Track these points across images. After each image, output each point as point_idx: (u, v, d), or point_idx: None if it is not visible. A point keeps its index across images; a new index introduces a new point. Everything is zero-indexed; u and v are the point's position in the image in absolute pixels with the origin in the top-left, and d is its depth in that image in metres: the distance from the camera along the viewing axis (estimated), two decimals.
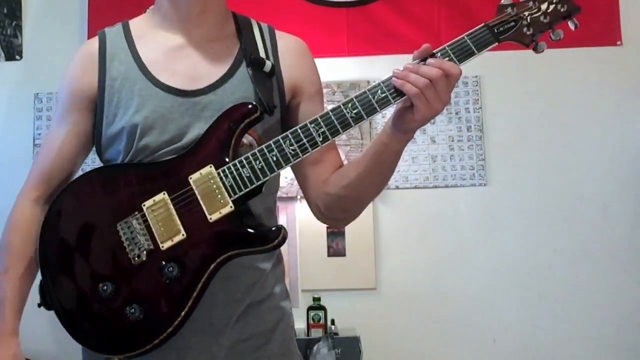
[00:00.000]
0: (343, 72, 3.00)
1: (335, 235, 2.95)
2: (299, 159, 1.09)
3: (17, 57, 3.10)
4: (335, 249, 2.96)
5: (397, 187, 2.97)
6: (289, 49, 1.26)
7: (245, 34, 1.24)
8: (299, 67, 1.26)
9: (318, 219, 1.28)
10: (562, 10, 1.08)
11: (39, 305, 1.15)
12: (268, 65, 1.20)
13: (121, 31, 1.24)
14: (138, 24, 1.26)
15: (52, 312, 1.14)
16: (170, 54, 1.20)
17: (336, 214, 1.25)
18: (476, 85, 2.99)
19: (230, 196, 1.08)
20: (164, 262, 1.08)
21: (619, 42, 2.97)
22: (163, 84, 1.17)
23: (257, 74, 1.19)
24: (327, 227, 2.91)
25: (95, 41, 1.24)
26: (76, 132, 1.21)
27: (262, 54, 1.22)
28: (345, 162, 1.27)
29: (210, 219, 1.08)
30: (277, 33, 1.28)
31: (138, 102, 1.16)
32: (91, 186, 1.16)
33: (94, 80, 1.20)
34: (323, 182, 1.22)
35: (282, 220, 2.90)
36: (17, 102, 3.06)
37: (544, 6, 1.08)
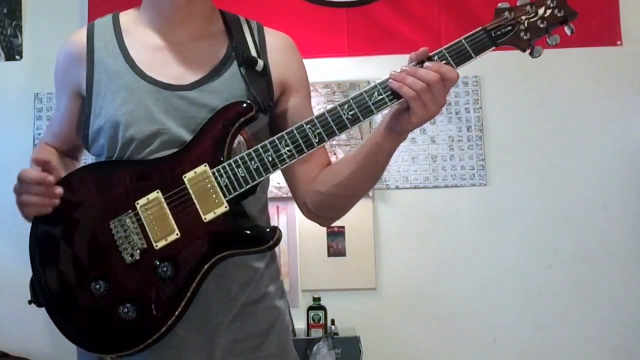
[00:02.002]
0: (343, 72, 3.00)
1: (335, 235, 2.95)
2: (295, 159, 1.08)
3: (17, 57, 3.10)
4: (335, 249, 2.96)
5: (397, 187, 2.97)
6: (276, 46, 1.26)
7: (235, 33, 1.24)
8: (286, 64, 1.25)
9: (306, 216, 1.28)
10: (559, 15, 1.08)
11: (30, 302, 1.14)
12: (260, 64, 1.20)
13: (110, 24, 1.24)
14: (127, 18, 1.26)
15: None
16: (156, 52, 1.21)
17: (325, 212, 1.26)
18: (476, 85, 2.99)
19: (225, 196, 1.08)
20: (157, 262, 1.07)
21: (619, 42, 2.97)
22: (150, 77, 1.17)
23: (250, 72, 1.19)
24: (327, 227, 2.91)
25: (82, 33, 1.24)
26: (69, 118, 1.26)
27: (254, 53, 1.22)
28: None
29: (205, 218, 1.08)
30: (266, 30, 1.28)
31: (124, 95, 1.16)
32: (83, 183, 1.15)
33: (82, 73, 1.20)
34: (312, 180, 1.22)
35: (282, 220, 2.90)
36: (17, 102, 3.07)
37: (541, 11, 1.08)
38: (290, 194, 1.30)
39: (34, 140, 3.02)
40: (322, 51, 2.96)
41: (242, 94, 1.17)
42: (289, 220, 2.91)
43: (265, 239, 1.08)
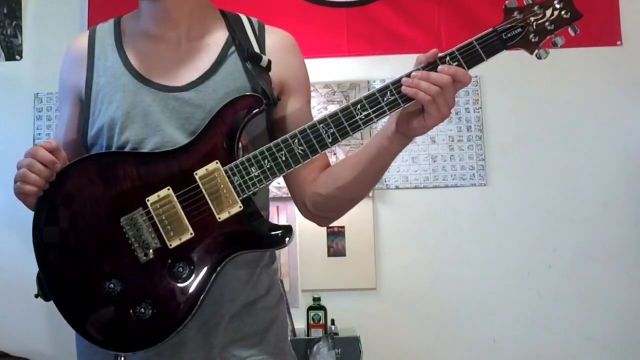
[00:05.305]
0: (343, 72, 3.00)
1: (335, 235, 2.95)
2: (308, 160, 1.08)
3: (17, 57, 3.10)
4: (335, 249, 2.96)
5: (397, 187, 2.97)
6: (277, 44, 1.25)
7: (237, 31, 1.23)
8: (286, 64, 1.24)
9: (305, 216, 1.28)
10: (565, 17, 1.07)
11: (36, 296, 1.13)
12: (265, 60, 1.19)
13: (112, 28, 1.25)
14: (127, 21, 1.27)
15: (50, 313, 1.13)
16: (152, 54, 1.21)
17: (325, 213, 1.26)
18: (476, 85, 2.99)
19: (238, 195, 1.08)
20: (172, 261, 1.07)
21: (619, 42, 2.97)
22: (146, 79, 1.17)
23: (256, 68, 1.18)
24: (327, 227, 2.91)
25: (84, 38, 1.25)
26: (72, 127, 1.25)
27: (256, 50, 1.21)
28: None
29: (219, 218, 1.08)
30: (267, 28, 1.27)
31: (120, 97, 1.16)
32: (87, 175, 1.12)
33: (82, 77, 1.21)
34: (311, 181, 1.22)
35: (282, 220, 2.90)
36: (17, 102, 3.06)
37: (548, 12, 1.07)
38: (290, 194, 1.29)
39: (34, 140, 3.02)
40: (322, 51, 2.96)
41: (242, 90, 1.16)
42: (289, 220, 2.90)
43: (281, 239, 1.08)
